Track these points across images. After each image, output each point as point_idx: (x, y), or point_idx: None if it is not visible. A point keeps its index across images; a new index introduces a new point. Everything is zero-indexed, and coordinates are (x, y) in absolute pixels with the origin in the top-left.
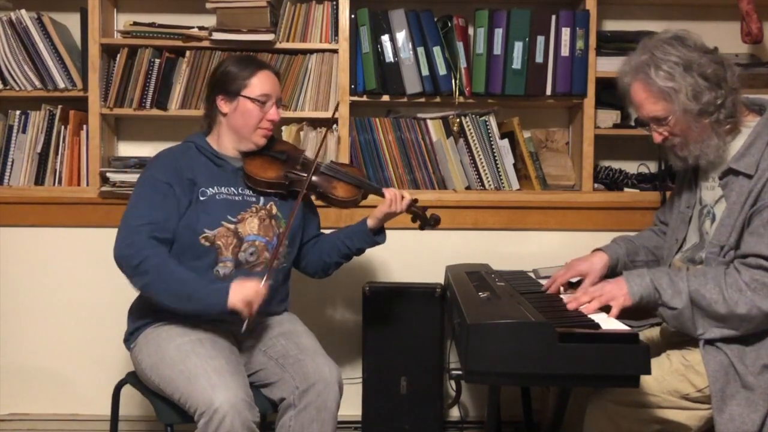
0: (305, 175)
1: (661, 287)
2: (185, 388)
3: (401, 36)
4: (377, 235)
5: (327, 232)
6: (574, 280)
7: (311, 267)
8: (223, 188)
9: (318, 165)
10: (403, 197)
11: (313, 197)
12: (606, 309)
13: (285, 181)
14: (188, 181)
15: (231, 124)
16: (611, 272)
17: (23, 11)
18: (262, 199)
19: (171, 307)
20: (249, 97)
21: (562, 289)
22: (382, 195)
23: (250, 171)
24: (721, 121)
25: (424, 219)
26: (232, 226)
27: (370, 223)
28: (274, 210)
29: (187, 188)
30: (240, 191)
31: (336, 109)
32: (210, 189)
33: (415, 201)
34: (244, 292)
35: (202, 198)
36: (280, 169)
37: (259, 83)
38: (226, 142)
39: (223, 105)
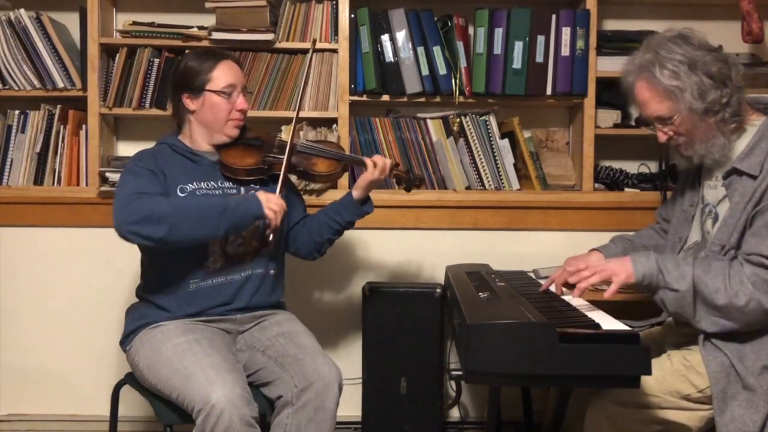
0: (283, 156)
1: (666, 268)
2: (182, 386)
3: (401, 35)
4: (364, 205)
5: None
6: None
7: (304, 249)
8: (202, 183)
9: (294, 145)
10: (383, 160)
11: (294, 178)
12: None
13: (263, 165)
14: (162, 174)
15: (201, 120)
16: None
17: (22, 11)
18: (242, 189)
19: (203, 236)
20: (214, 91)
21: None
22: (364, 164)
23: (227, 161)
24: (727, 119)
25: (408, 180)
26: None
27: (356, 194)
28: None
29: (163, 182)
30: (220, 184)
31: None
32: (189, 185)
33: (397, 165)
34: (272, 200)
35: (182, 194)
36: (257, 154)
37: (222, 75)
38: (198, 138)
39: (189, 103)
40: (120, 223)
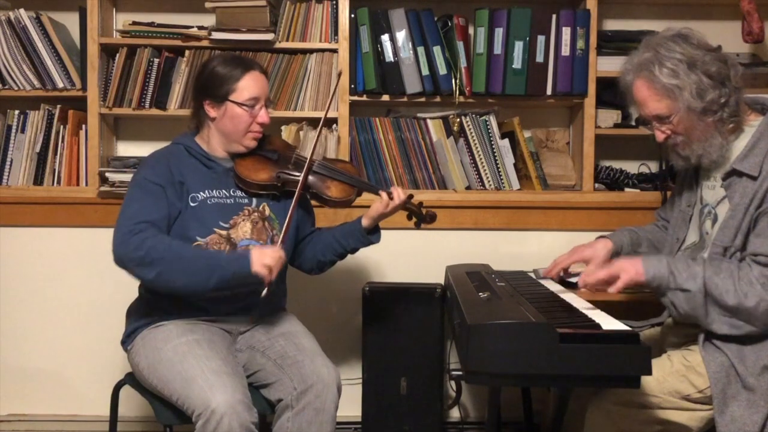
0: (298, 174)
1: (677, 270)
2: (182, 389)
3: (401, 35)
4: (372, 235)
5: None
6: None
7: (306, 264)
8: (214, 191)
9: (311, 164)
10: (398, 196)
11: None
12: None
13: (277, 182)
14: (179, 184)
15: (220, 128)
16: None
17: (22, 11)
18: (254, 200)
19: (190, 289)
20: (236, 102)
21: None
22: (378, 194)
23: (241, 173)
24: (725, 119)
25: (420, 216)
26: (224, 233)
27: (365, 222)
28: (267, 211)
29: (178, 192)
30: (232, 193)
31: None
32: (201, 194)
33: (411, 197)
34: (265, 257)
35: (192, 204)
36: (272, 169)
37: (247, 87)
38: (215, 144)
39: (210, 110)
40: (117, 257)
